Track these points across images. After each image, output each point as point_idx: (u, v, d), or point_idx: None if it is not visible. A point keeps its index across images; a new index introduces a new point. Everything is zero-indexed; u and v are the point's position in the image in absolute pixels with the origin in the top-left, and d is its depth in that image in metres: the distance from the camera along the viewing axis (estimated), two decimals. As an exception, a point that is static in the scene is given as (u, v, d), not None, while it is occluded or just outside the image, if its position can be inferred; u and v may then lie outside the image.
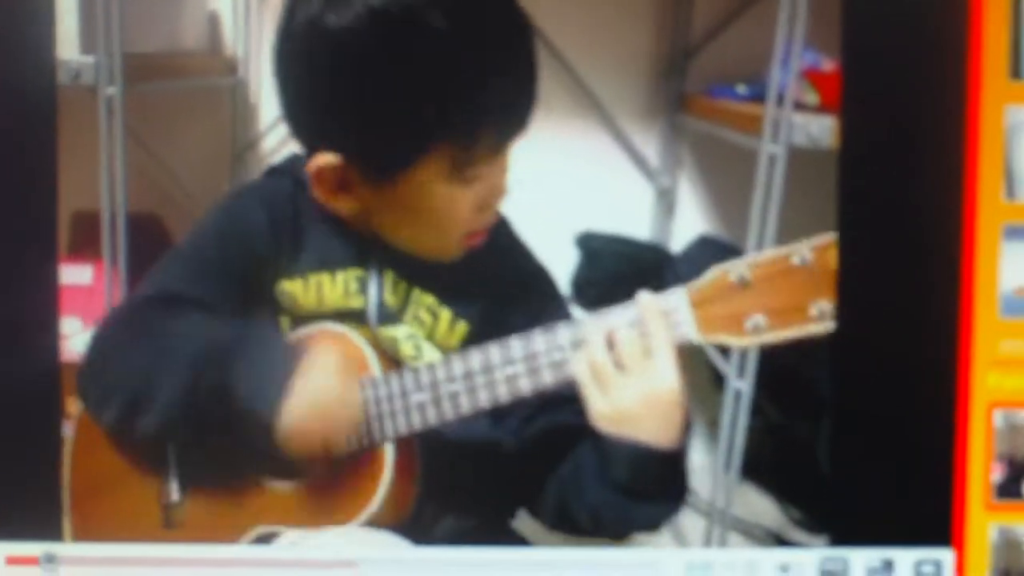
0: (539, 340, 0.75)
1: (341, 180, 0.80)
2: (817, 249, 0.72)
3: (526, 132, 0.80)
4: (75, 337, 0.84)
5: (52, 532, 0.76)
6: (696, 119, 1.49)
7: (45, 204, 0.74)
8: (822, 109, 1.15)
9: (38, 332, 0.74)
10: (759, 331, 0.73)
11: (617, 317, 0.74)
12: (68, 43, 1.15)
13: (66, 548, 0.75)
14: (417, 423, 0.78)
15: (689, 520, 1.15)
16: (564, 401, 0.77)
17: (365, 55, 0.75)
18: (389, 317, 0.82)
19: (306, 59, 0.78)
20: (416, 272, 0.83)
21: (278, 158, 0.89)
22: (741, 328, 0.73)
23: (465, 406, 0.77)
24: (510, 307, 0.84)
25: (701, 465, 1.25)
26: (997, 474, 0.73)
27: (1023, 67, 0.72)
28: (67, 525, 0.80)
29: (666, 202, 1.57)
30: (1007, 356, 0.73)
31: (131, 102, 1.20)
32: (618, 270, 1.49)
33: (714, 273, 0.73)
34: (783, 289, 0.72)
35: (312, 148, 0.80)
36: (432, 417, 0.77)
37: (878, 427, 0.73)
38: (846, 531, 0.74)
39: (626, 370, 0.73)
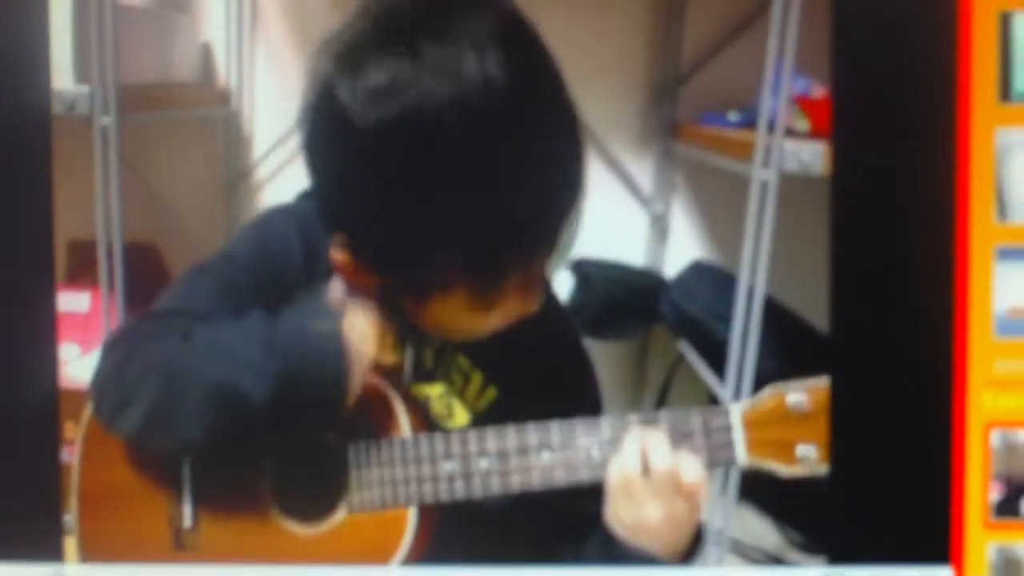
0: (580, 430, 0.74)
1: (363, 268, 0.75)
2: None
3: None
4: (73, 363, 0.83)
5: (54, 554, 0.75)
6: (688, 146, 1.50)
7: (42, 232, 0.74)
8: (813, 135, 1.16)
9: (36, 358, 0.74)
10: (808, 462, 0.72)
11: (662, 428, 0.73)
12: (63, 74, 1.15)
13: (75, 570, 0.75)
14: (444, 495, 0.75)
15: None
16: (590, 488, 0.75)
17: (367, 173, 0.69)
18: (424, 376, 0.80)
19: (315, 158, 0.73)
20: None
21: (271, 188, 0.87)
22: (791, 456, 0.72)
23: (496, 487, 0.75)
24: (542, 384, 0.82)
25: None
26: (995, 493, 0.73)
27: (1012, 89, 0.72)
28: (75, 542, 0.78)
29: (659, 228, 1.58)
30: (1002, 376, 0.73)
31: (125, 133, 1.21)
32: (612, 296, 1.49)
33: (771, 393, 0.73)
34: None
35: (330, 232, 0.75)
36: (460, 492, 0.75)
37: (875, 446, 0.73)
38: (845, 551, 0.74)
39: (656, 487, 0.72)
